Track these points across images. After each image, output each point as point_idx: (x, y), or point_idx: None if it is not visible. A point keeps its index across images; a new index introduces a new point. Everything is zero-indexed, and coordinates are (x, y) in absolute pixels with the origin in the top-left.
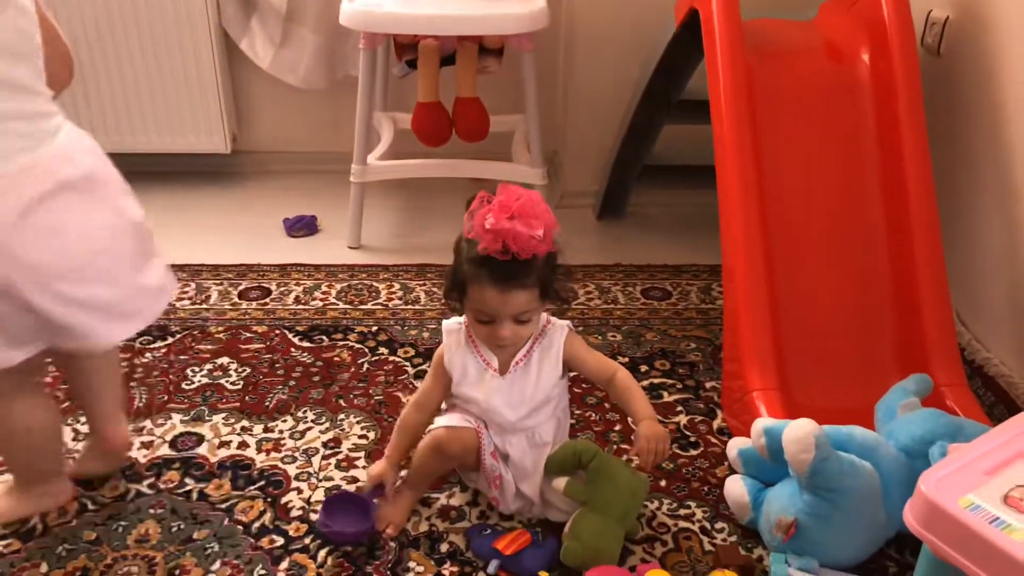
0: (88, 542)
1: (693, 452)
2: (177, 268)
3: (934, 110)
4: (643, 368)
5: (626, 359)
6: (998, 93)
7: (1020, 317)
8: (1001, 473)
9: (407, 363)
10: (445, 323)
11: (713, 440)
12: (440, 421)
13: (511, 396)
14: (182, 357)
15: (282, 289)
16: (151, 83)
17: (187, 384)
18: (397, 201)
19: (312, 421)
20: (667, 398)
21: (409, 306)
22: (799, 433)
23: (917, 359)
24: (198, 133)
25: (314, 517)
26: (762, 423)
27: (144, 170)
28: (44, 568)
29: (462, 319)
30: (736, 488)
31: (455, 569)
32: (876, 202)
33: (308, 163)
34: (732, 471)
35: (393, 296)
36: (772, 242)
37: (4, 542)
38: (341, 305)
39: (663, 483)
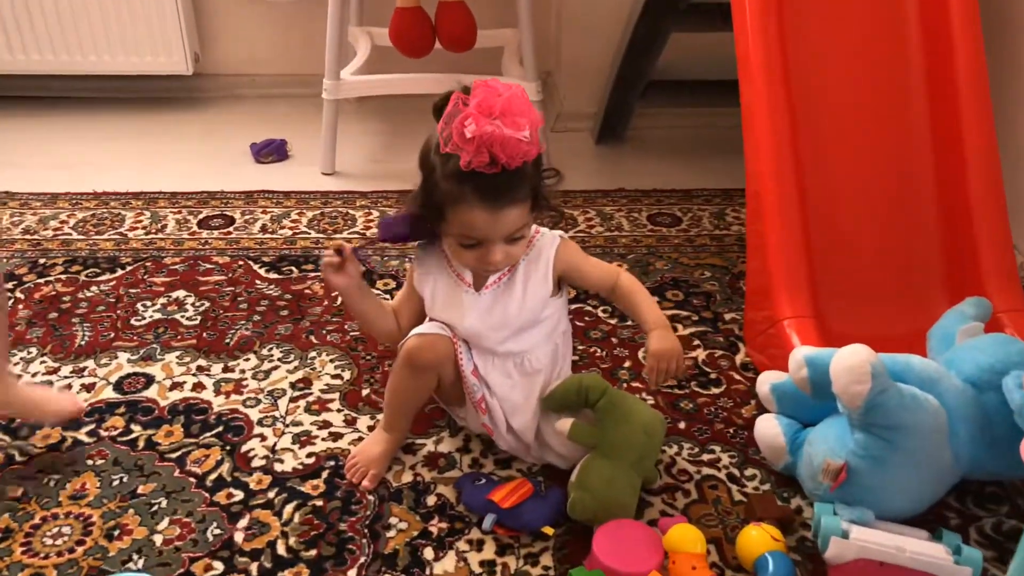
0: (13, 499)
1: (715, 390)
2: (131, 196)
3: (987, 7)
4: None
5: None
6: None
7: None
8: None
9: (387, 296)
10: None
11: (736, 377)
12: (412, 332)
13: (491, 316)
14: (132, 290)
15: (247, 217)
16: None
17: (137, 320)
18: (375, 124)
19: (279, 359)
20: (682, 331)
21: None
22: (853, 361)
23: (969, 282)
24: (156, 53)
25: (279, 468)
26: (803, 352)
27: (98, 94)
28: None
29: None
30: (769, 429)
31: (444, 525)
32: (922, 108)
33: (277, 86)
34: (762, 410)
35: (371, 224)
36: (802, 157)
37: None
38: (313, 234)
39: (682, 425)
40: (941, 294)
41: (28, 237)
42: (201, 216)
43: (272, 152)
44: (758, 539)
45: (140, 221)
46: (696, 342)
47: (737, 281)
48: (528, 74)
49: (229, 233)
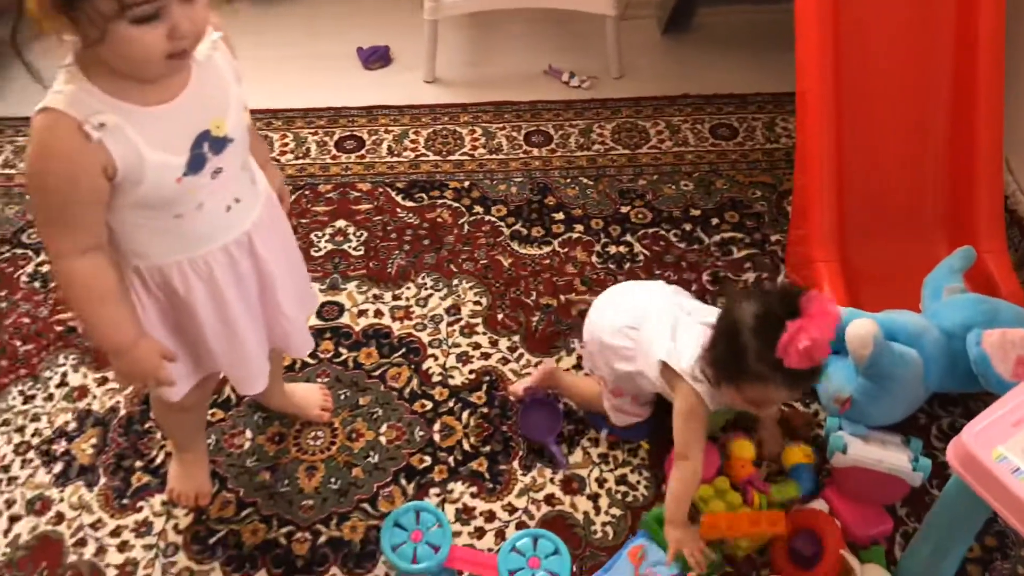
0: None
1: None
2: (269, 114)
3: None
4: (715, 222)
5: (699, 211)
6: None
7: None
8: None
9: (502, 223)
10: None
11: None
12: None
13: None
14: (303, 221)
15: (374, 138)
16: None
17: (315, 250)
18: (464, 19)
19: (431, 288)
20: (736, 254)
21: (493, 155)
22: (860, 331)
23: (965, 225)
24: None
25: (452, 382)
26: None
27: None
28: (248, 434)
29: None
30: None
31: (571, 427)
32: (947, 48)
33: None
34: None
35: (477, 144)
36: (843, 72)
37: (211, 411)
38: (431, 156)
39: None
40: (941, 232)
41: None
42: (336, 137)
43: (379, 59)
44: (795, 452)
45: (286, 144)
46: (747, 265)
47: (783, 200)
48: None
49: (363, 157)
